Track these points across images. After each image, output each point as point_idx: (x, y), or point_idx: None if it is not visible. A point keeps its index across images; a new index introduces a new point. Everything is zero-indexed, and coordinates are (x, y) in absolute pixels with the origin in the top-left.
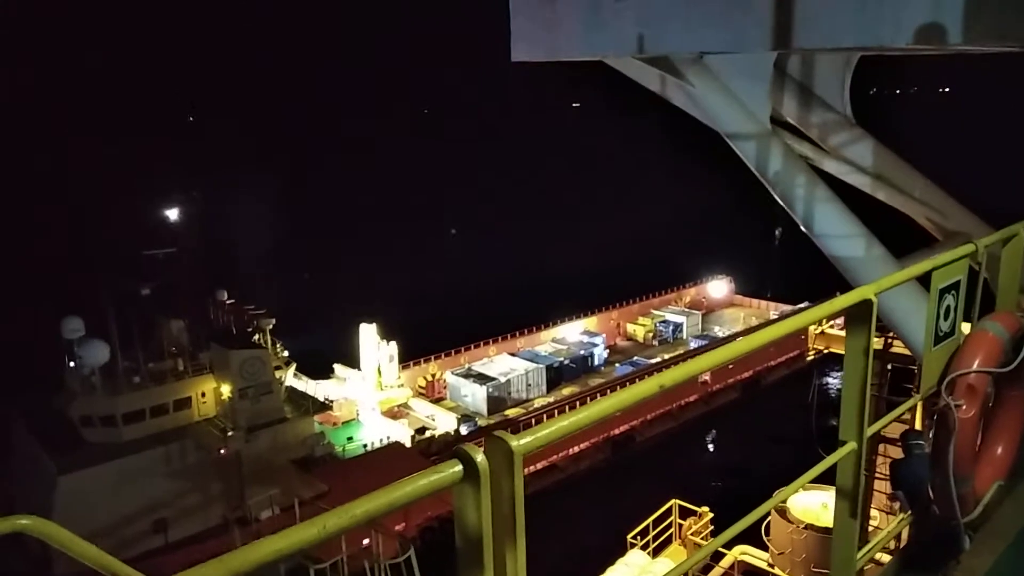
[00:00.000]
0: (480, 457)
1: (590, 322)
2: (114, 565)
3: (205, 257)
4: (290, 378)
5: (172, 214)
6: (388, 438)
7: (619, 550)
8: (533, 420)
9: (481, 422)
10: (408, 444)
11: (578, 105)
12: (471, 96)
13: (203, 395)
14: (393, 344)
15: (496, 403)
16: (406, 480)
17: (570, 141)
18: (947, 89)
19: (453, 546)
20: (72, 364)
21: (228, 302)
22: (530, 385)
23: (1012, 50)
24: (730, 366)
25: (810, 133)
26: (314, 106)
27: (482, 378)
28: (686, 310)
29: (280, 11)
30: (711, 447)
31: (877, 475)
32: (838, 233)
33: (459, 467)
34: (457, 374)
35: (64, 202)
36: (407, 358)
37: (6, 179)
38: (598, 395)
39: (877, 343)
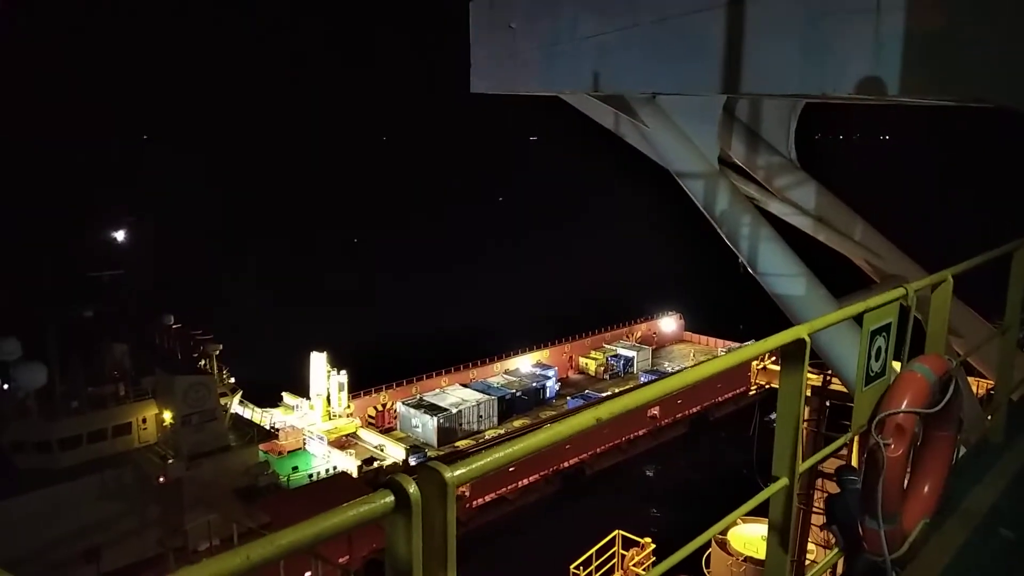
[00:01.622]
0: (412, 488)
1: (543, 355)
2: None
3: (151, 280)
4: (236, 405)
5: (119, 235)
6: (335, 468)
7: None
8: (483, 452)
9: (431, 453)
10: (355, 475)
11: (535, 139)
12: (428, 126)
13: (144, 421)
14: (344, 373)
15: (446, 434)
16: (335, 511)
17: (526, 175)
18: (887, 137)
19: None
20: (6, 387)
21: (174, 326)
22: (481, 416)
23: (946, 103)
24: (678, 401)
25: (756, 175)
26: (267, 133)
27: (433, 408)
28: (637, 345)
29: (239, 36)
30: (659, 480)
31: (814, 509)
32: (780, 272)
33: (391, 497)
34: (408, 404)
35: (3, 219)
36: (358, 388)
37: None
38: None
39: (816, 380)
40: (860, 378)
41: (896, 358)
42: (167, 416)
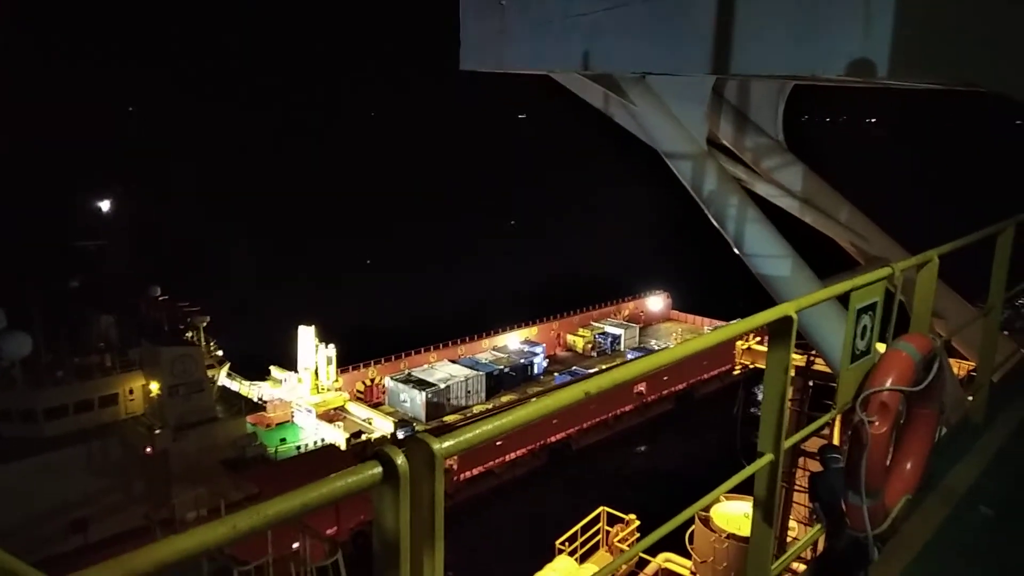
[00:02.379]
0: (400, 459)
1: (531, 332)
2: (13, 564)
3: (139, 251)
4: (223, 378)
5: (105, 205)
6: (322, 441)
7: (547, 556)
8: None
9: (419, 428)
10: (343, 447)
11: (523, 116)
12: (417, 102)
13: (131, 392)
14: (332, 347)
15: (435, 409)
16: (323, 481)
17: (514, 153)
18: (873, 120)
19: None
20: None
21: (161, 298)
22: (469, 392)
23: (934, 86)
24: (664, 377)
25: (744, 156)
26: (261, 107)
27: (421, 384)
28: (624, 323)
29: (234, 12)
30: (644, 456)
31: (797, 487)
32: (766, 253)
33: (379, 468)
34: (396, 379)
35: None
36: (346, 363)
37: None
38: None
39: (800, 360)
40: (846, 356)
41: (880, 339)
42: (154, 387)
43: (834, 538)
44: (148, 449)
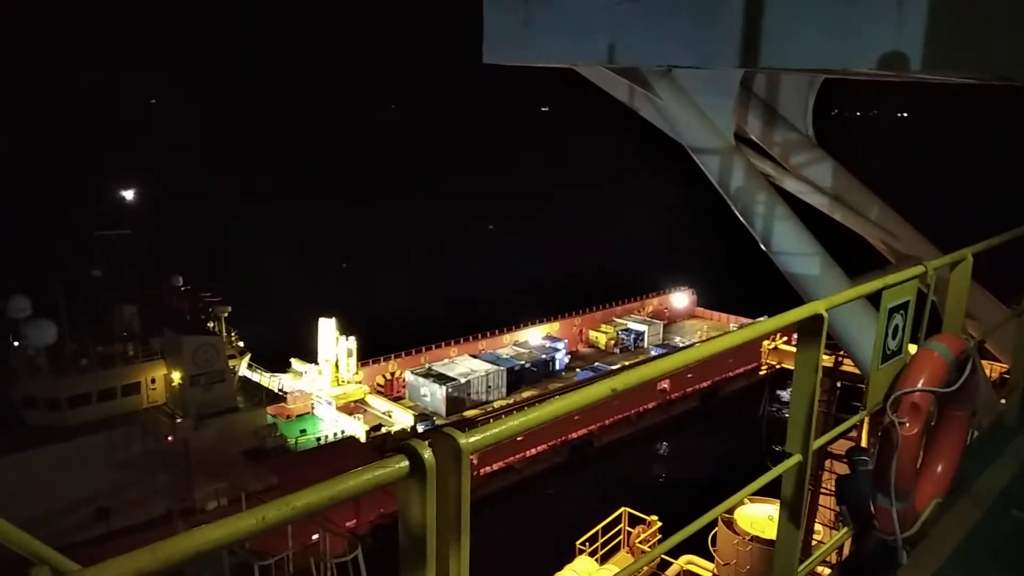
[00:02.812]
0: (427, 453)
1: (552, 327)
2: (41, 550)
3: (161, 241)
4: (244, 368)
5: (128, 195)
6: (342, 433)
7: (568, 556)
8: (491, 420)
9: (439, 421)
10: (363, 439)
11: (547, 109)
12: (440, 94)
13: (153, 381)
14: (352, 339)
15: (455, 404)
16: (350, 474)
17: (538, 145)
18: (904, 114)
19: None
20: (16, 344)
21: (183, 288)
22: (490, 387)
23: (967, 81)
24: (688, 375)
25: (772, 151)
26: (283, 99)
27: (442, 378)
28: (648, 319)
29: (252, 8)
30: (667, 455)
31: (823, 490)
32: (795, 251)
33: (405, 462)
34: (417, 373)
35: (16, 180)
36: (366, 356)
37: None
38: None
39: (827, 360)
40: (876, 356)
41: (911, 340)
42: (176, 376)
43: (861, 541)
44: (169, 438)
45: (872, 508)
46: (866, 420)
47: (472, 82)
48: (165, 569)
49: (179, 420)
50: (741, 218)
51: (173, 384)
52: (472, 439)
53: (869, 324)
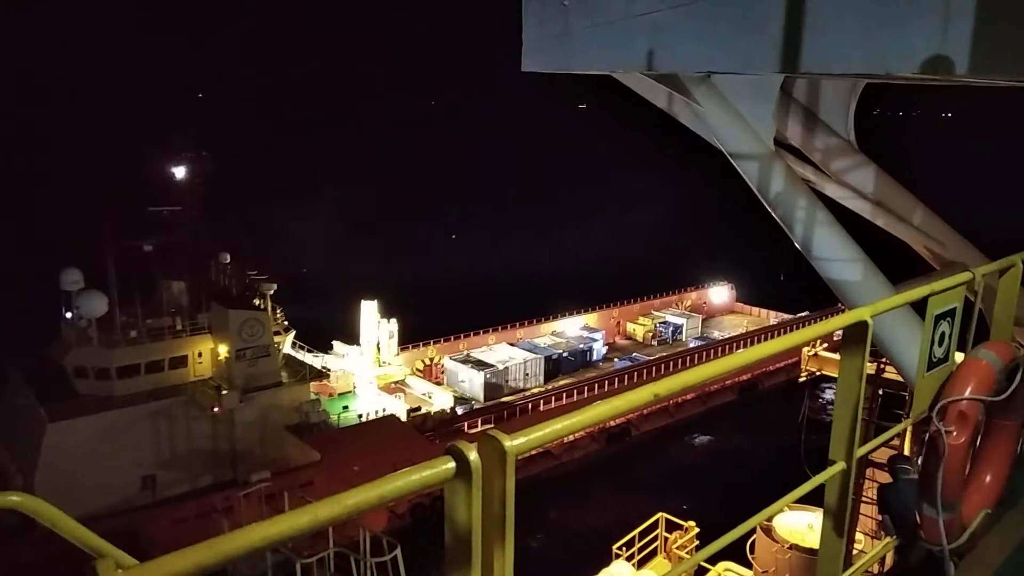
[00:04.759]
0: (473, 455)
1: (590, 318)
2: (101, 545)
3: (210, 219)
4: (288, 346)
5: (179, 172)
6: (384, 411)
7: (603, 558)
8: (530, 405)
9: (477, 407)
10: (404, 419)
11: (584, 106)
12: (480, 92)
13: (200, 355)
14: (393, 321)
15: (493, 390)
16: (398, 474)
17: (579, 140)
18: (949, 115)
19: (440, 529)
20: (69, 315)
21: (230, 264)
22: (527, 375)
23: (1017, 83)
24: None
25: (813, 157)
26: (326, 94)
27: (480, 364)
28: (686, 313)
29: (293, 10)
30: (704, 451)
31: (864, 499)
32: (836, 257)
33: (452, 464)
34: (455, 359)
35: (69, 155)
36: (405, 341)
37: (10, 130)
38: (596, 385)
39: (870, 368)
40: (922, 364)
41: (957, 348)
42: (222, 350)
43: (906, 552)
44: (215, 410)
45: (917, 518)
46: (908, 429)
47: (514, 82)
48: (222, 563)
49: (225, 393)
50: (781, 224)
51: (219, 358)
52: (517, 441)
53: (913, 331)
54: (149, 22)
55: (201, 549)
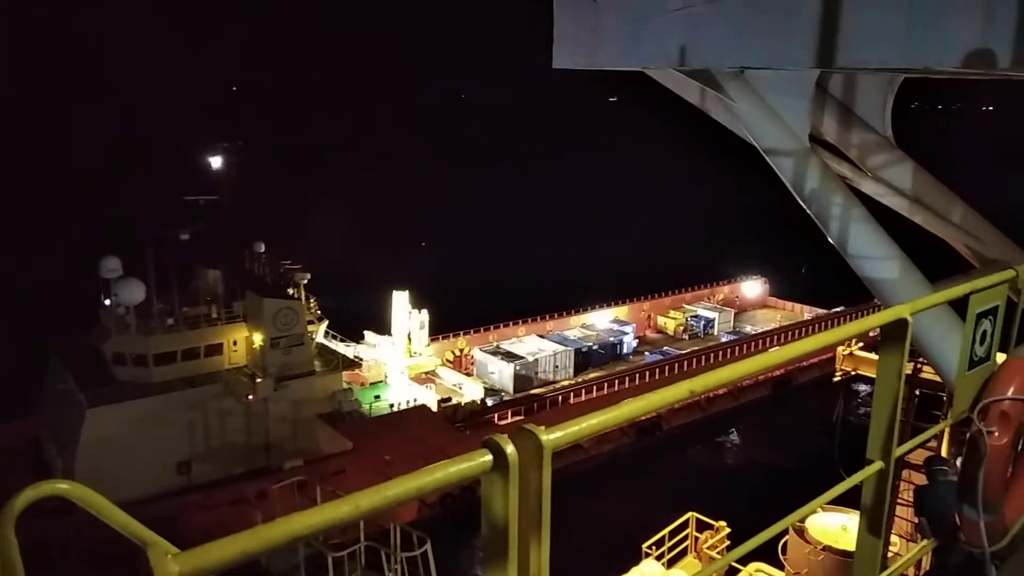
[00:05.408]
0: (510, 448)
1: (620, 311)
2: (146, 534)
3: (245, 209)
4: (321, 335)
5: (215, 162)
6: (415, 401)
7: (632, 556)
8: (560, 398)
9: (506, 398)
10: (434, 409)
11: (615, 99)
12: (512, 85)
13: (235, 343)
14: (424, 312)
15: (522, 382)
16: (437, 466)
17: (611, 133)
18: (991, 108)
19: (469, 521)
20: (108, 302)
21: (265, 254)
22: (557, 367)
23: None
24: None
25: (849, 153)
26: (361, 85)
27: (510, 356)
28: (718, 307)
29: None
30: (735, 449)
31: (900, 500)
32: (873, 255)
33: (489, 457)
34: (485, 351)
35: (108, 146)
36: (435, 332)
37: (52, 122)
38: (626, 379)
39: (907, 367)
40: (963, 363)
41: (1000, 346)
42: (257, 339)
43: (945, 554)
44: (250, 397)
45: (957, 520)
46: (947, 429)
47: (541, 73)
48: (266, 550)
49: (259, 381)
50: (817, 221)
51: (254, 346)
52: (553, 436)
53: (953, 330)
54: (186, 19)
55: (246, 537)
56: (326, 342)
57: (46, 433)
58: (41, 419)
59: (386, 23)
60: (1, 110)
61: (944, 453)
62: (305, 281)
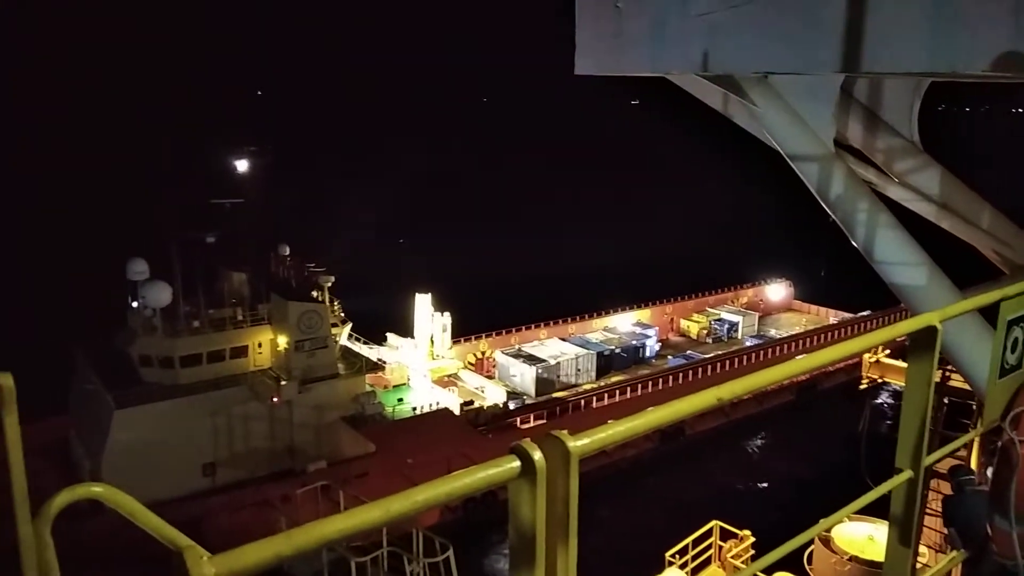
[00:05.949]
0: (538, 455)
1: (643, 314)
2: (176, 538)
3: (270, 212)
4: (345, 337)
5: (241, 166)
6: (437, 404)
7: (655, 564)
8: (582, 402)
9: (528, 402)
10: (457, 412)
11: (637, 102)
12: (534, 88)
13: (260, 345)
14: (447, 315)
15: (544, 385)
16: (465, 471)
17: (633, 135)
18: (1020, 110)
19: (492, 526)
20: (135, 305)
21: (289, 257)
22: (579, 370)
23: None
24: None
25: (875, 158)
26: (383, 91)
27: (532, 359)
28: (742, 310)
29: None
30: (760, 454)
31: (928, 510)
32: (900, 261)
33: (516, 463)
34: (507, 353)
35: (135, 149)
36: (456, 334)
37: (81, 124)
38: (649, 383)
39: (936, 375)
40: (993, 371)
41: None
42: (281, 341)
43: (976, 566)
44: (274, 399)
45: (988, 531)
46: (976, 438)
47: (563, 76)
48: (299, 553)
49: (283, 384)
50: (842, 227)
51: (278, 349)
52: (581, 442)
53: (983, 338)
54: (212, 23)
55: (280, 540)
56: (349, 344)
57: (73, 434)
58: (69, 419)
59: (407, 23)
60: (32, 110)
61: (974, 463)
62: (329, 284)
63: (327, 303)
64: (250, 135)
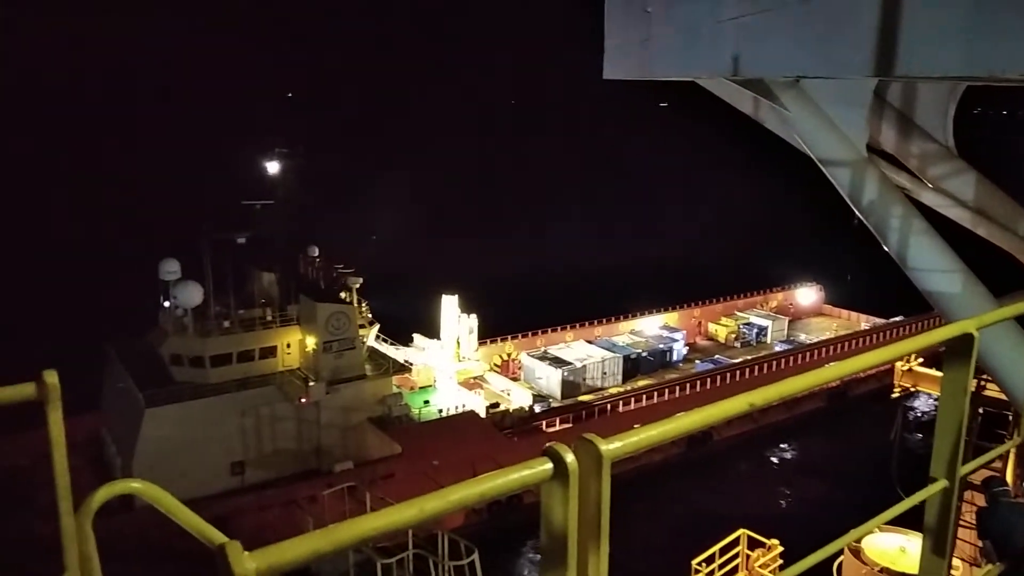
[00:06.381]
0: (570, 457)
1: (670, 318)
2: (212, 534)
3: (300, 212)
4: (372, 339)
5: (272, 167)
6: (463, 406)
7: (683, 571)
8: (608, 406)
9: (554, 404)
10: (482, 415)
11: (665, 105)
12: (561, 91)
13: (288, 346)
14: (473, 317)
15: (570, 388)
16: (498, 473)
17: (662, 138)
18: None
19: (518, 529)
20: (167, 304)
21: (318, 258)
22: (606, 373)
23: None
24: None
25: (908, 163)
26: (415, 93)
27: (558, 362)
28: (772, 314)
29: (387, 13)
30: (788, 463)
31: (962, 522)
32: (934, 268)
33: (549, 465)
34: (533, 356)
35: (167, 149)
36: (482, 336)
37: (113, 126)
38: (676, 388)
39: (971, 384)
40: None
41: None
42: (310, 342)
43: None
44: (303, 399)
45: None
46: (1013, 449)
47: (590, 78)
48: (336, 550)
49: (311, 384)
50: (875, 233)
51: (307, 349)
52: (613, 446)
53: (1020, 346)
54: (244, 27)
55: (318, 537)
56: (376, 346)
57: (105, 431)
58: (101, 416)
59: (436, 26)
60: (64, 113)
61: (1009, 474)
62: (357, 285)
63: (355, 304)
64: (281, 136)
